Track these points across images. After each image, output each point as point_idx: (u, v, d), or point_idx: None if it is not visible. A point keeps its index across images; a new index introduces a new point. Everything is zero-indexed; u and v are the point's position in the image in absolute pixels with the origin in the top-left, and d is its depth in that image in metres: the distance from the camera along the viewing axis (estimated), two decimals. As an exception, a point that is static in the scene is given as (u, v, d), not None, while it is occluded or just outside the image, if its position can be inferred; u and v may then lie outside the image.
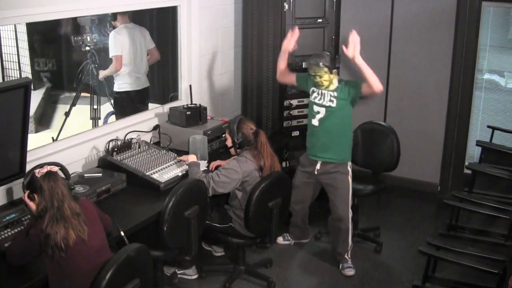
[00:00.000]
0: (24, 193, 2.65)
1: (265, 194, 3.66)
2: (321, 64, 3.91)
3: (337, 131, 4.06)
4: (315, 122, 4.09)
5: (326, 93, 4.01)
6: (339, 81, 4.03)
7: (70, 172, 3.02)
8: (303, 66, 4.64)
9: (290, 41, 4.15)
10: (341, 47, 3.99)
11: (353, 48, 3.85)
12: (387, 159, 4.47)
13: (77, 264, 2.55)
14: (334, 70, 4.01)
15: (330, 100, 4.00)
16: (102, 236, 2.73)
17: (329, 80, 3.96)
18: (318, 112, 4.06)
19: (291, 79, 4.28)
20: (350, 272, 4.17)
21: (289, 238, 4.59)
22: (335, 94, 3.98)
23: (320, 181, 4.24)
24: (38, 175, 2.60)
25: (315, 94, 4.07)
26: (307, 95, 4.67)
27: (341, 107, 4.00)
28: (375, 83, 3.86)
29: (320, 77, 3.94)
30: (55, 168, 2.68)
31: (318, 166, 4.14)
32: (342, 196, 4.12)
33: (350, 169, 4.14)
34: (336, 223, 4.17)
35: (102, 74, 5.31)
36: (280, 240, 4.56)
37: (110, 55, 5.11)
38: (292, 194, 4.12)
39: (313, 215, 4.61)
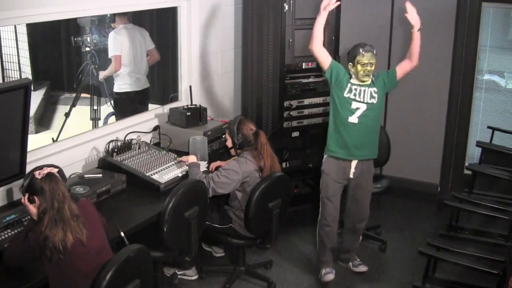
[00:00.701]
0: (24, 196, 2.63)
1: (265, 195, 3.66)
2: (375, 51, 3.73)
3: (373, 126, 3.90)
4: (353, 119, 3.80)
5: (366, 90, 3.79)
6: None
7: (70, 173, 3.02)
8: (303, 67, 4.64)
9: None
10: (403, 17, 3.86)
11: (415, 16, 3.78)
12: (379, 154, 4.47)
13: (76, 266, 2.55)
14: None
15: (372, 97, 3.79)
16: (102, 237, 2.72)
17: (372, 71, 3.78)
18: (357, 109, 3.79)
19: (325, 57, 3.78)
20: (363, 268, 4.18)
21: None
22: (375, 89, 3.80)
23: (351, 183, 3.98)
24: (38, 177, 2.59)
25: (353, 91, 3.79)
26: (307, 96, 4.64)
27: (380, 101, 3.85)
28: (418, 56, 3.82)
29: (371, 65, 3.72)
30: (55, 170, 2.68)
31: (354, 164, 3.88)
32: (367, 197, 4.05)
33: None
34: (358, 224, 4.09)
35: (102, 74, 5.31)
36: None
37: (110, 55, 5.12)
38: (327, 212, 3.92)
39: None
